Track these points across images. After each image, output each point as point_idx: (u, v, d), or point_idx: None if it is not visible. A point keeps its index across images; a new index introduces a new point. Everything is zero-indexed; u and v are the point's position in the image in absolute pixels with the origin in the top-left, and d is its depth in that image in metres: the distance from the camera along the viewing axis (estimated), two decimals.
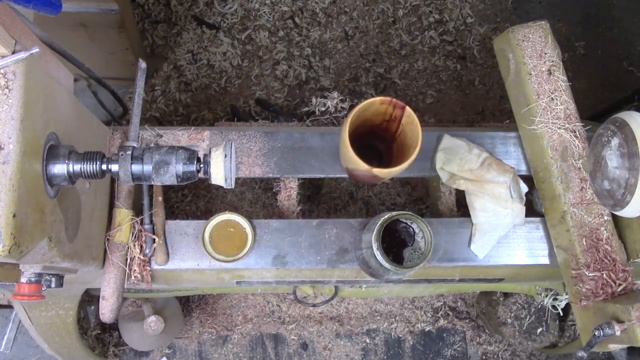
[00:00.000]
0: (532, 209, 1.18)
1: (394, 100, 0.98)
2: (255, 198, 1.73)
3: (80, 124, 0.89)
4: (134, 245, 1.04)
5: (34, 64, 0.70)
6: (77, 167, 0.74)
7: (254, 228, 1.10)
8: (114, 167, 0.76)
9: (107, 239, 1.01)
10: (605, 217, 1.04)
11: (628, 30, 2.11)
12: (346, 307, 1.83)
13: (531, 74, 1.10)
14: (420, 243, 1.05)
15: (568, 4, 2.13)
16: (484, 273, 1.17)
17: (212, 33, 2.01)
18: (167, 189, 1.13)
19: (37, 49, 0.68)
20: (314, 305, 1.56)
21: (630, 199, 0.90)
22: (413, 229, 1.06)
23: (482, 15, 2.11)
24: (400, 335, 1.82)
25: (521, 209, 1.12)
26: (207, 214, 1.65)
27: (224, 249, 1.07)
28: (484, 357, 1.82)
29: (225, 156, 0.76)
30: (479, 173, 1.11)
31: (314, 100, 1.35)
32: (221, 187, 0.78)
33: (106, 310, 1.00)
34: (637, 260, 1.05)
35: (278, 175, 1.16)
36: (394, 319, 1.83)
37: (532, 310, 1.60)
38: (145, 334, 1.45)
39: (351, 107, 1.13)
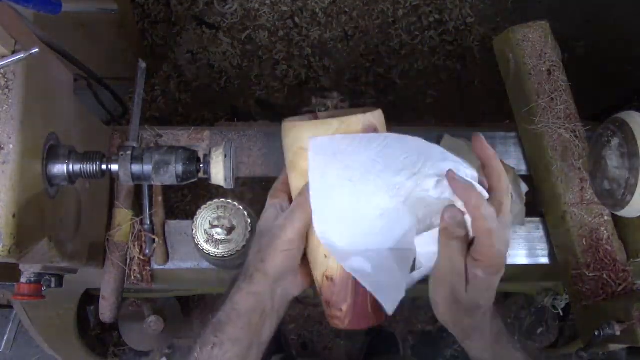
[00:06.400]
0: (532, 209, 1.18)
1: None
2: (256, 198, 1.73)
3: (80, 124, 0.89)
4: (134, 245, 1.04)
5: (34, 64, 0.70)
6: (77, 167, 0.74)
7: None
8: (114, 167, 0.75)
9: (107, 239, 1.01)
10: (605, 217, 1.04)
11: (628, 31, 2.11)
12: None
13: (531, 74, 1.10)
14: None
15: (568, 3, 2.13)
16: None
17: (212, 33, 2.01)
18: (167, 189, 1.13)
19: (37, 49, 0.68)
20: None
21: (630, 199, 0.90)
22: None
23: (482, 15, 2.11)
24: (401, 335, 1.82)
25: (521, 209, 1.12)
26: None
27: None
28: None
29: (225, 156, 0.76)
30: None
31: (313, 100, 1.35)
32: (221, 187, 0.78)
33: (106, 310, 1.00)
34: (637, 260, 1.05)
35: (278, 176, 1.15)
36: (393, 319, 1.83)
37: (532, 310, 1.59)
38: (145, 334, 1.45)
39: None
